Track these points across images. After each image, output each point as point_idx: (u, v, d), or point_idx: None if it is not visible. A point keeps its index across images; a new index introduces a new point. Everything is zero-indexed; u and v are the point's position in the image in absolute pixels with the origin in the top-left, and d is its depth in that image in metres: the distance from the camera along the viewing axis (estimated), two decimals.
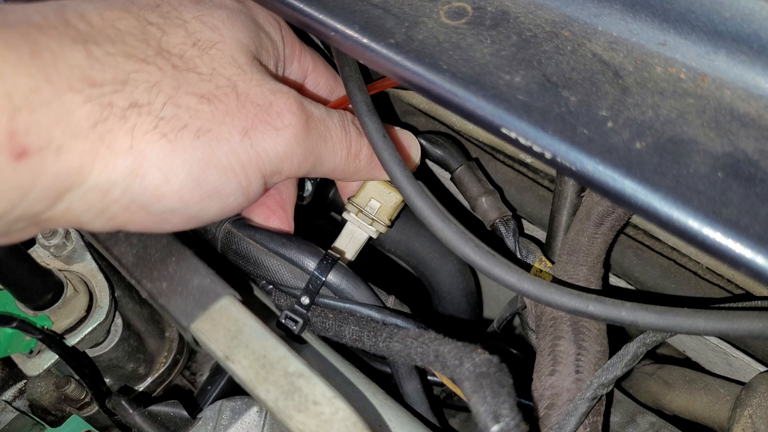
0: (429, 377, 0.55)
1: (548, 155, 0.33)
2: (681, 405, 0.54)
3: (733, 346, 0.56)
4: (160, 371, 0.74)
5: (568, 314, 0.45)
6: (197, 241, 0.54)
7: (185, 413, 0.58)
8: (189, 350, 0.78)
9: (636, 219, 0.55)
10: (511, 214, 0.55)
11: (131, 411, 0.56)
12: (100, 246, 0.44)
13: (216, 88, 0.39)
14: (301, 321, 0.49)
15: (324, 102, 0.53)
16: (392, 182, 0.45)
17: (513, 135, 0.34)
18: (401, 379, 0.53)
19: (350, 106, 0.51)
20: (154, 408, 0.58)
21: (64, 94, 0.32)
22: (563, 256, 0.49)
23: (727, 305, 0.44)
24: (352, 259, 0.55)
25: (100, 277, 0.64)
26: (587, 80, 0.35)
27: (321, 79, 0.53)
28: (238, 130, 0.39)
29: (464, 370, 0.36)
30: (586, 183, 0.32)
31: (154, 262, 0.43)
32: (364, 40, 0.40)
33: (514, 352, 0.70)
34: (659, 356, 0.65)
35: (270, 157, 0.41)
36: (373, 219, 0.54)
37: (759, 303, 0.45)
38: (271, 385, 0.38)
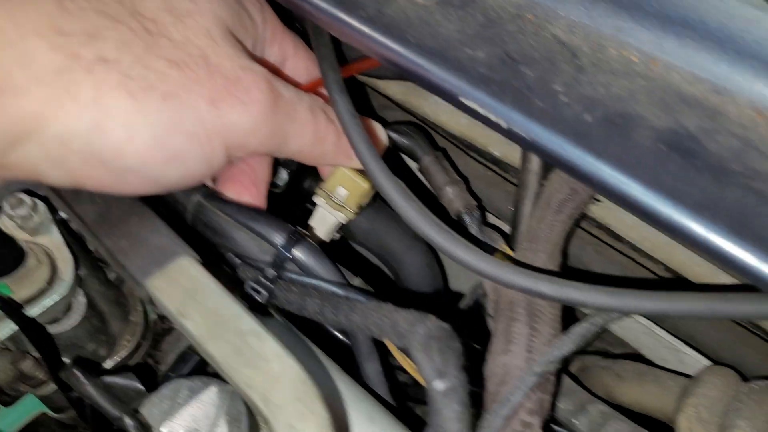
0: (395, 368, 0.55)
1: (504, 124, 0.34)
2: (632, 397, 0.55)
3: (685, 343, 0.58)
4: (122, 354, 0.73)
5: (524, 299, 0.46)
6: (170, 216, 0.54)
7: (140, 386, 0.58)
8: (153, 337, 0.77)
9: (598, 214, 0.56)
10: (476, 204, 0.57)
11: (84, 381, 0.55)
12: (63, 204, 0.44)
13: (187, 55, 0.39)
14: (265, 292, 0.50)
15: (299, 85, 0.53)
16: (358, 159, 0.46)
17: (471, 105, 0.35)
18: (362, 360, 0.54)
19: (323, 88, 0.52)
20: (108, 379, 0.57)
21: (30, 38, 0.33)
22: (523, 243, 0.50)
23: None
24: (324, 240, 0.56)
25: (65, 250, 0.64)
26: (546, 59, 0.36)
27: (300, 64, 0.53)
28: (205, 99, 0.39)
29: (415, 333, 0.37)
30: (537, 151, 0.34)
31: (115, 221, 0.43)
32: (337, 13, 0.41)
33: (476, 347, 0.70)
34: (615, 354, 0.66)
35: (235, 130, 0.41)
36: (340, 205, 0.55)
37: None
38: (222, 342, 0.38)
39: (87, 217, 0.43)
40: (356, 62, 0.53)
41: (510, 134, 0.34)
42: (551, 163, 0.33)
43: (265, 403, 0.36)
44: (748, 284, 0.46)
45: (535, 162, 0.50)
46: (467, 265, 0.43)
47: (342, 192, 0.54)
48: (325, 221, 0.55)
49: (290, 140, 0.46)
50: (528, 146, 0.33)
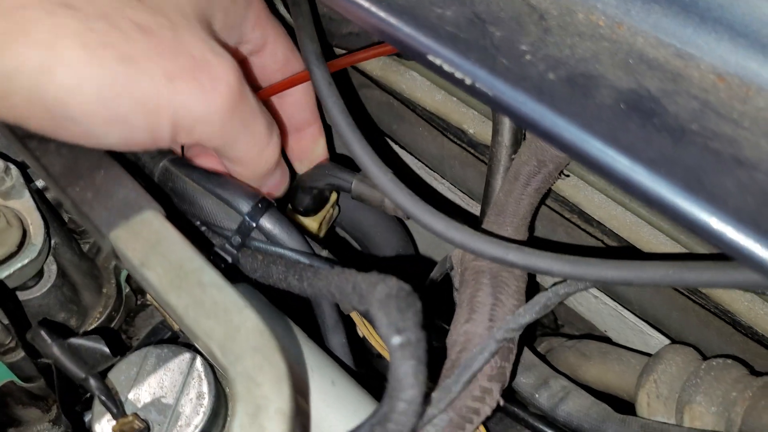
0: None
1: (468, 81, 0.34)
2: (595, 375, 0.56)
3: (650, 325, 0.58)
4: (93, 326, 0.72)
5: (488, 270, 0.47)
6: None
7: (106, 349, 0.58)
8: (127, 311, 0.77)
9: (567, 193, 0.57)
10: None
11: (50, 342, 0.55)
12: (28, 154, 0.44)
13: (156, 24, 0.39)
14: (229, 259, 0.50)
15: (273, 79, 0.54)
16: (336, 128, 0.47)
17: (438, 62, 0.36)
18: (327, 331, 0.53)
19: (304, 83, 0.52)
20: (74, 341, 0.57)
21: None
22: (491, 216, 0.51)
23: None
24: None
25: (37, 215, 0.63)
26: (513, 20, 0.37)
27: (279, 50, 0.53)
28: (163, 72, 0.38)
29: (375, 292, 0.37)
30: (500, 108, 0.34)
31: (81, 173, 0.43)
32: None
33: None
34: (582, 337, 0.66)
35: (186, 113, 0.40)
36: None
37: None
38: (183, 293, 0.38)
39: (52, 169, 0.43)
40: (342, 57, 0.54)
41: (473, 91, 0.34)
42: (514, 120, 0.33)
43: (223, 353, 0.36)
44: (709, 255, 0.47)
45: (505, 135, 0.50)
46: (439, 233, 0.43)
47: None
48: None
49: (237, 146, 0.45)
50: (491, 102, 0.34)
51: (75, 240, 0.70)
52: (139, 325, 0.79)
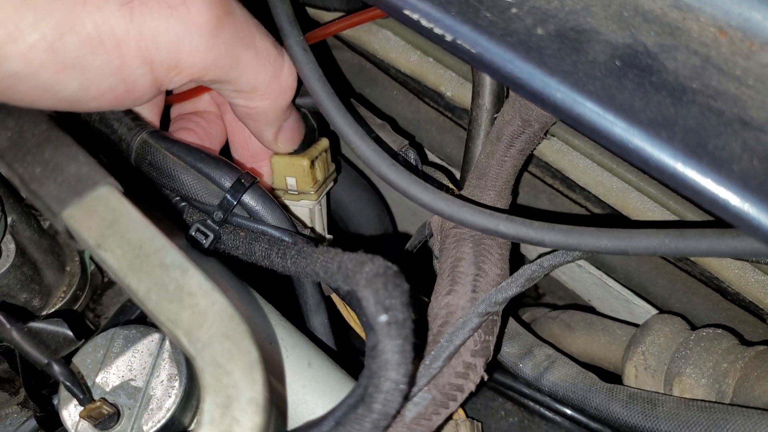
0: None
1: (449, 37, 0.31)
2: (580, 347, 0.54)
3: (635, 293, 0.57)
4: (58, 306, 0.69)
5: (470, 237, 0.44)
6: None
7: (69, 333, 0.54)
8: (92, 288, 0.73)
9: (551, 158, 0.54)
10: (407, 142, 0.54)
11: (8, 326, 0.52)
12: None
13: None
14: (211, 235, 0.47)
15: None
16: (313, 98, 0.43)
17: (415, 17, 0.32)
18: (309, 312, 0.51)
19: None
20: (34, 324, 0.54)
21: None
22: (472, 180, 0.48)
23: None
24: (324, 234, 0.55)
25: None
26: None
27: None
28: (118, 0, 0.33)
29: (362, 272, 0.35)
30: (484, 67, 0.31)
31: (29, 147, 0.39)
32: None
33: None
34: (566, 306, 0.65)
35: (158, 41, 0.35)
36: (300, 193, 0.52)
37: None
38: (143, 275, 0.35)
39: None
40: (320, 28, 0.50)
41: (455, 48, 0.31)
42: (499, 80, 0.30)
43: (190, 340, 0.33)
44: (700, 222, 0.45)
45: (486, 98, 0.47)
46: (424, 203, 0.41)
47: (291, 181, 0.52)
48: (302, 215, 0.54)
49: (246, 68, 0.40)
50: (474, 61, 0.31)
51: (34, 216, 0.66)
52: (106, 303, 0.76)
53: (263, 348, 0.35)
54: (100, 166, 0.39)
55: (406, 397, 0.37)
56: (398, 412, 0.36)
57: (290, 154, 0.50)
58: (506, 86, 0.45)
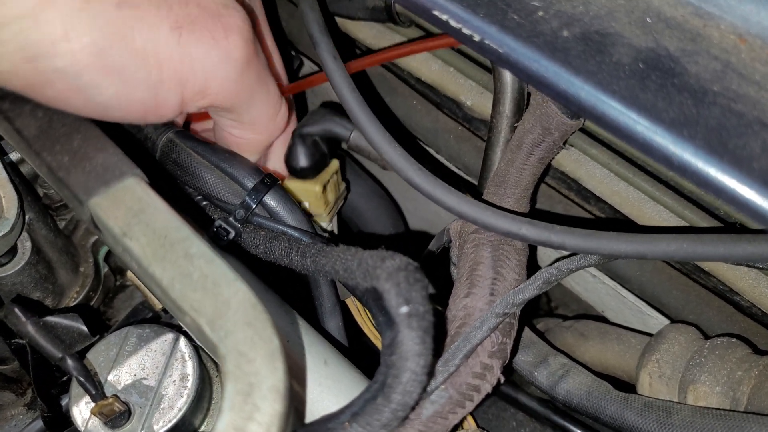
0: None
1: (477, 37, 0.32)
2: (594, 355, 0.54)
3: (649, 304, 0.57)
4: (70, 306, 0.70)
5: (489, 242, 0.45)
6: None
7: (84, 328, 0.55)
8: (105, 292, 0.74)
9: (568, 168, 0.55)
10: None
11: (24, 319, 0.52)
12: (1, 117, 0.41)
13: None
14: (233, 232, 0.48)
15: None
16: (343, 105, 0.45)
17: (444, 18, 0.33)
18: (324, 315, 0.52)
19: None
20: (50, 319, 0.54)
21: None
22: (491, 188, 0.48)
23: None
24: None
25: (10, 188, 0.60)
26: None
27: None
28: (170, 23, 0.36)
29: (383, 267, 0.35)
30: (511, 67, 0.32)
31: (58, 137, 0.40)
32: None
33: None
34: (578, 316, 0.65)
35: (196, 68, 0.37)
36: (312, 216, 0.54)
37: None
38: (168, 264, 0.35)
39: (27, 132, 0.40)
40: (361, 59, 0.52)
41: (482, 48, 0.32)
42: (525, 79, 0.31)
43: (213, 328, 0.33)
44: (715, 228, 0.45)
45: (507, 105, 0.48)
46: (449, 207, 0.42)
47: (305, 205, 0.53)
48: None
49: (255, 104, 0.43)
50: (501, 60, 0.31)
51: (50, 216, 0.67)
52: (118, 306, 0.76)
53: (284, 344, 0.35)
54: (127, 157, 0.40)
55: (424, 390, 0.37)
56: (416, 405, 0.37)
57: (303, 179, 0.52)
58: (527, 94, 0.46)
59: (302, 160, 0.51)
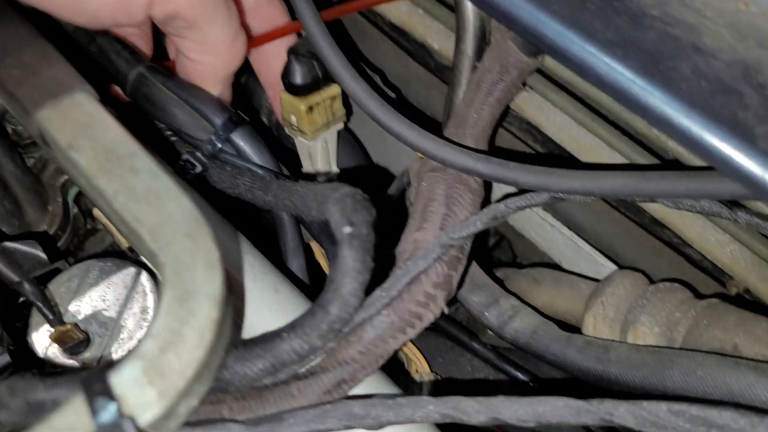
0: None
1: None
2: (545, 300, 0.55)
3: (603, 254, 0.58)
4: (27, 233, 0.69)
5: (444, 180, 0.45)
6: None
7: (43, 254, 0.55)
8: (74, 231, 0.74)
9: (528, 114, 0.55)
10: None
11: None
12: None
13: None
14: (199, 166, 0.49)
15: None
16: (311, 39, 0.46)
17: None
18: (288, 253, 0.53)
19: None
20: (8, 244, 0.54)
21: None
22: (451, 128, 0.49)
23: None
24: (333, 169, 0.57)
25: None
26: None
27: None
28: None
29: (334, 194, 0.36)
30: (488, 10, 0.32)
31: (8, 50, 0.40)
32: None
33: None
34: (534, 264, 0.66)
35: None
36: (298, 130, 0.54)
37: None
38: (113, 177, 0.36)
39: None
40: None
41: None
42: (505, 23, 0.31)
43: (153, 238, 0.34)
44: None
45: (468, 43, 0.48)
46: (409, 142, 0.43)
47: (293, 119, 0.54)
48: (303, 149, 0.56)
49: (215, 24, 0.44)
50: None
51: (18, 153, 0.67)
52: (88, 249, 0.76)
53: (225, 262, 0.36)
54: (77, 73, 0.39)
55: (365, 311, 0.38)
56: (358, 328, 0.38)
57: (296, 95, 0.52)
58: (488, 33, 0.46)
59: (292, 77, 0.52)
